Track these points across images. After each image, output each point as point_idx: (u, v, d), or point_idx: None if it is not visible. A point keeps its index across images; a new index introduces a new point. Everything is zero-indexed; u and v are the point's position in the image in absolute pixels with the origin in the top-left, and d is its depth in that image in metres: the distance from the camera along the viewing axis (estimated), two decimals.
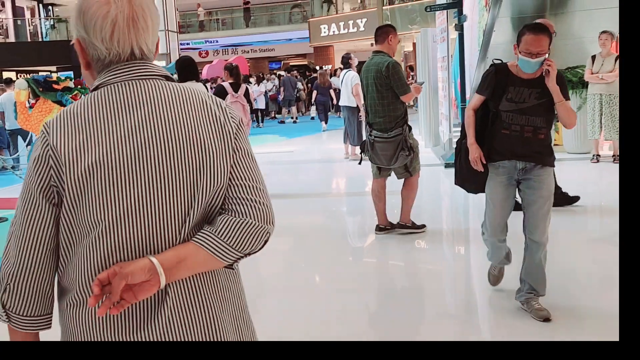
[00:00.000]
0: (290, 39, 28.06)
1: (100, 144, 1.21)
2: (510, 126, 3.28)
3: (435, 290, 4.24)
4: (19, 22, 27.07)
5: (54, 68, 25.35)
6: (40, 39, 26.80)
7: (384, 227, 5.28)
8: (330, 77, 18.67)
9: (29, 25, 27.48)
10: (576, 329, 3.34)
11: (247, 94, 6.38)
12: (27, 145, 8.39)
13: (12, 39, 26.64)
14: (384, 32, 5.05)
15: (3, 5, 27.77)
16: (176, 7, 21.08)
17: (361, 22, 22.23)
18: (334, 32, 23.32)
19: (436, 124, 10.30)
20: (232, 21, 29.34)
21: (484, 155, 3.38)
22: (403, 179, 5.16)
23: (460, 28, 8.55)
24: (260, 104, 17.43)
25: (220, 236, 1.24)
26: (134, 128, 1.23)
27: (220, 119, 1.33)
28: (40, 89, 7.60)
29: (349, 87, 9.54)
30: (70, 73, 23.57)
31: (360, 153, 5.44)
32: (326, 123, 15.15)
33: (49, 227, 1.25)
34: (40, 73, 14.54)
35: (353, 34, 22.61)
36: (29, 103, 7.88)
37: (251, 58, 30.70)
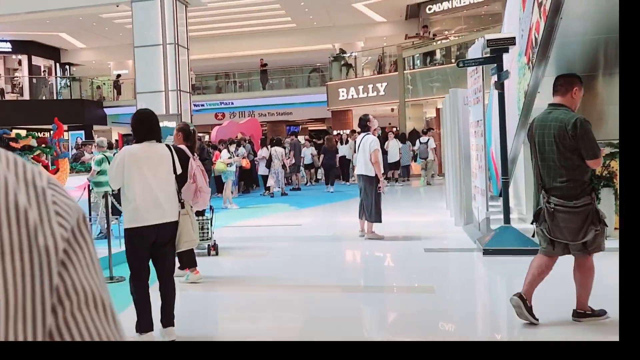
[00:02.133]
0: (308, 103, 27.20)
1: None
2: None
3: None
4: (34, 80, 26.74)
5: (65, 127, 24.74)
6: (54, 98, 26.39)
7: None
8: (346, 142, 17.67)
9: (45, 84, 27.17)
10: None
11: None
12: None
13: (26, 96, 26.24)
14: (567, 83, 4.21)
15: (20, 63, 27.64)
16: (191, 68, 20.31)
17: (381, 86, 21.20)
18: (352, 95, 22.29)
19: (468, 198, 8.83)
20: (250, 83, 28.68)
21: None
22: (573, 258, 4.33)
23: (500, 87, 7.23)
24: (264, 170, 16.17)
25: None
26: None
27: (29, 218, 0.52)
28: None
29: (366, 153, 8.21)
30: (81, 132, 22.98)
31: (533, 223, 4.38)
32: (332, 185, 16.36)
33: None
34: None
35: (373, 98, 21.54)
36: None
37: (268, 121, 29.87)
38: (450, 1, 21.84)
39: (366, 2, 23.11)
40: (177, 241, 4.33)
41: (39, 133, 18.03)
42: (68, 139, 23.00)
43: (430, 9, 22.65)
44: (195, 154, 5.53)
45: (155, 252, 4.24)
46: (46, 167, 6.91)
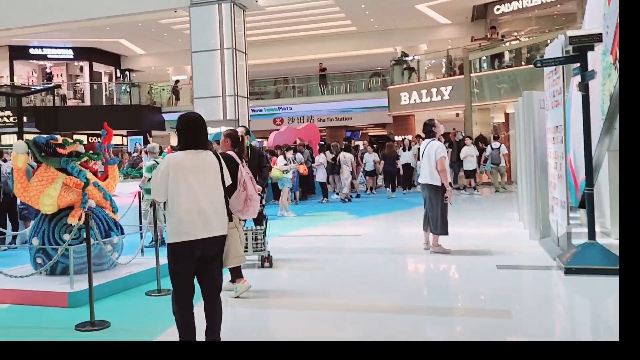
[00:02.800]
0: (369, 108, 26.64)
1: None
2: None
3: None
4: (95, 86, 27.40)
5: (124, 132, 25.16)
6: (114, 103, 26.94)
7: None
8: (409, 148, 17.03)
9: (106, 90, 27.81)
10: None
11: None
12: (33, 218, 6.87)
13: (87, 102, 26.91)
14: None
15: (81, 70, 28.40)
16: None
17: (445, 90, 20.34)
18: (415, 100, 21.51)
19: (545, 210, 8.04)
20: (308, 88, 28.37)
21: None
22: None
23: (584, 88, 6.46)
24: (321, 176, 15.74)
25: None
26: None
27: None
28: (42, 154, 6.14)
29: (432, 161, 7.58)
30: (140, 138, 23.25)
31: None
32: (393, 191, 16.23)
33: None
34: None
35: (436, 103, 20.71)
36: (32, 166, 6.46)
37: (327, 127, 29.53)
38: (520, 1, 20.75)
39: (430, 4, 22.36)
40: (224, 257, 3.91)
41: (97, 138, 18.26)
42: (127, 144, 23.34)
43: (498, 9, 21.63)
44: (244, 160, 5.13)
45: (201, 269, 3.84)
46: (95, 173, 6.67)
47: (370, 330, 4.77)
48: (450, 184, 7.87)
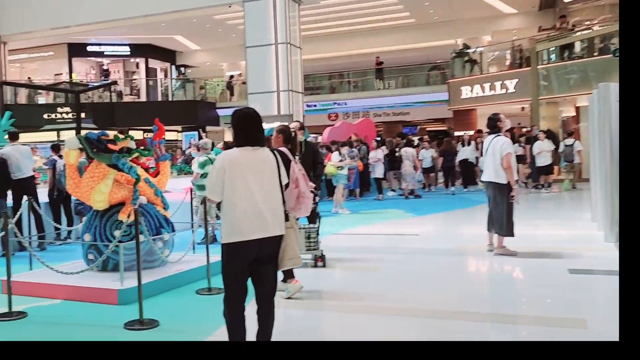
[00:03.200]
0: (427, 102, 25.94)
1: None
2: None
3: None
4: (150, 82, 27.84)
5: (179, 127, 25.42)
6: (169, 99, 27.31)
7: None
8: (468, 143, 16.33)
9: (161, 86, 28.21)
10: None
11: None
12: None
13: (143, 98, 27.37)
14: None
15: (137, 66, 28.94)
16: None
17: (511, 83, 19.40)
18: (477, 94, 20.66)
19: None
20: (364, 83, 27.90)
21: None
22: None
23: None
24: (378, 173, 15.29)
25: None
26: None
27: None
28: (94, 150, 6.06)
29: (496, 158, 7.12)
30: (194, 134, 23.40)
31: None
32: (453, 186, 16.37)
33: None
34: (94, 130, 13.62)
35: (500, 97, 19.79)
36: (86, 162, 6.39)
37: (383, 122, 29.03)
38: None
39: None
40: (280, 258, 3.69)
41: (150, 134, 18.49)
42: (182, 139, 23.55)
43: None
44: (297, 156, 4.90)
45: (256, 270, 3.64)
46: (146, 169, 6.57)
47: (426, 336, 4.45)
48: (516, 181, 7.38)
